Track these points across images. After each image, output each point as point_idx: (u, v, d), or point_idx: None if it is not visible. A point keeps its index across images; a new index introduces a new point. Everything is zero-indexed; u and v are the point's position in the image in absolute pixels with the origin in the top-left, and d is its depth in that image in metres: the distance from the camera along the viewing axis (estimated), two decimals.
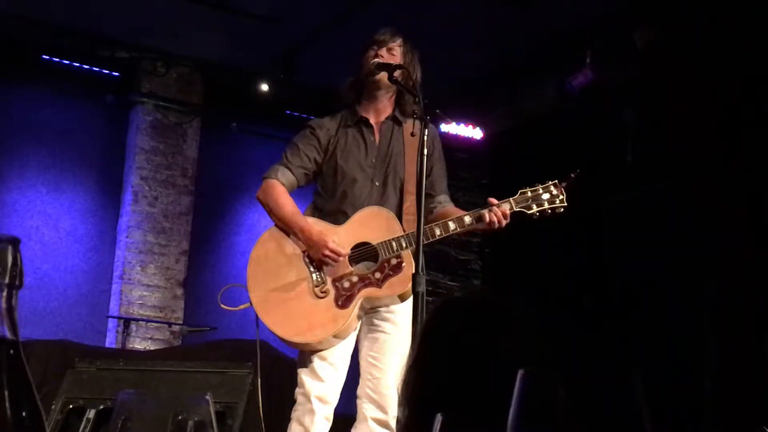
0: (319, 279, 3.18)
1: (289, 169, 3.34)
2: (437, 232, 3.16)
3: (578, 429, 0.74)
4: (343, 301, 3.14)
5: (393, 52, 3.32)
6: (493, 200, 3.21)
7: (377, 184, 3.34)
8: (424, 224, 3.15)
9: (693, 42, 6.10)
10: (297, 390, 3.18)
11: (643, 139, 6.51)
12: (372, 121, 3.41)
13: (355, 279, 3.17)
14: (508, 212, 3.19)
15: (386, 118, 3.42)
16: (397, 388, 3.23)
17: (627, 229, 6.68)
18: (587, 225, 7.11)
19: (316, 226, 3.24)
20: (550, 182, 3.29)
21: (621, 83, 6.67)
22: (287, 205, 3.28)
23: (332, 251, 3.15)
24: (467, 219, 3.19)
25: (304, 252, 3.21)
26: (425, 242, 2.96)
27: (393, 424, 3.13)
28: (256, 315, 3.16)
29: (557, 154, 7.21)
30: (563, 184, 3.29)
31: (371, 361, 3.20)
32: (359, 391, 3.18)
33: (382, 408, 3.14)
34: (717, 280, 5.89)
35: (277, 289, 3.16)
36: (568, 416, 0.75)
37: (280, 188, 3.31)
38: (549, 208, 3.26)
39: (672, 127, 6.31)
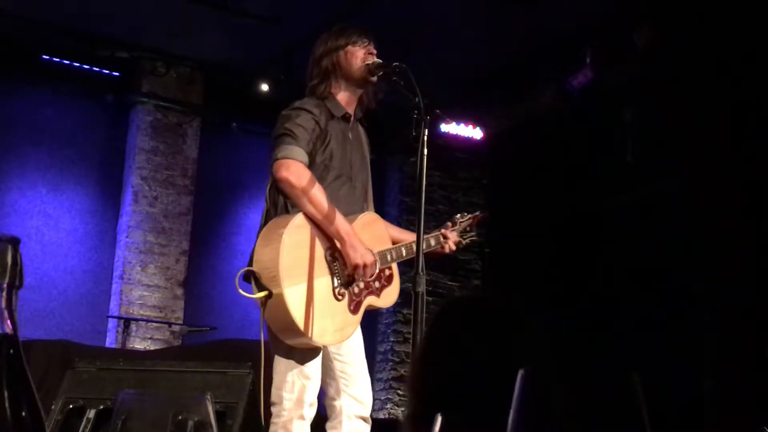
0: (339, 280, 3.04)
1: (305, 152, 3.03)
2: (403, 252, 3.23)
3: (578, 429, 0.74)
4: (354, 306, 3.06)
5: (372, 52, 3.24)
6: (446, 232, 3.46)
7: (357, 186, 3.23)
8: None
9: (693, 42, 6.10)
10: (283, 394, 2.97)
11: (643, 139, 6.51)
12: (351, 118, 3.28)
13: (362, 285, 3.09)
14: (458, 240, 3.50)
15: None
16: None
17: (627, 229, 6.68)
18: (587, 225, 7.12)
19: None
20: (468, 215, 3.63)
21: (621, 83, 6.66)
22: (326, 199, 3.00)
23: (371, 270, 3.05)
24: (432, 241, 3.42)
25: (327, 248, 3.03)
26: (401, 259, 3.21)
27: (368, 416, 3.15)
28: (267, 305, 2.86)
29: (557, 154, 7.23)
30: (473, 218, 3.63)
31: (341, 360, 3.13)
32: (332, 392, 3.11)
33: (363, 404, 3.12)
34: (716, 280, 5.90)
35: (309, 283, 2.93)
36: (568, 416, 0.75)
37: (311, 174, 3.01)
38: (468, 238, 3.60)
39: (672, 127, 6.31)
